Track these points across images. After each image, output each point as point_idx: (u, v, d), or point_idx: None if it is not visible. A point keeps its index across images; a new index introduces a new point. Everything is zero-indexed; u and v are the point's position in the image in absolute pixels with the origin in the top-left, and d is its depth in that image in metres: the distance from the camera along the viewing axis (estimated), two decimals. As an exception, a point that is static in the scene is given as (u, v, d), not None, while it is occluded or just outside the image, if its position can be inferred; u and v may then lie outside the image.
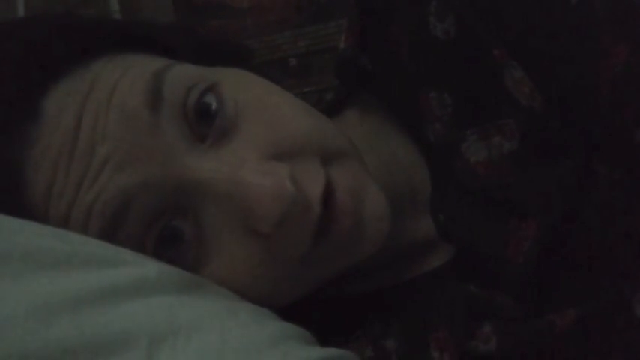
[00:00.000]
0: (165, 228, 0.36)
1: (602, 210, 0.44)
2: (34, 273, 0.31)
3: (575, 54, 0.42)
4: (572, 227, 0.44)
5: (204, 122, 0.37)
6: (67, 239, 0.34)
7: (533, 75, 0.43)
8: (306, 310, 0.41)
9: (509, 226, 0.43)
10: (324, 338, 0.39)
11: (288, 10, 0.84)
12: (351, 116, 0.50)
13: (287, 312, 0.38)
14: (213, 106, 0.37)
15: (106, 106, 0.35)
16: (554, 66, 0.43)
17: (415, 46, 0.46)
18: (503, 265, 0.43)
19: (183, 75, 0.38)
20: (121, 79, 0.36)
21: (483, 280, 0.44)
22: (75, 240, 0.34)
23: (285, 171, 0.36)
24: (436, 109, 0.45)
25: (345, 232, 0.37)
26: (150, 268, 0.34)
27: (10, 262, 0.31)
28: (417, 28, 0.46)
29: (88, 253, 0.33)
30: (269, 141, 0.37)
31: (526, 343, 0.43)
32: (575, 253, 0.44)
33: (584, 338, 0.42)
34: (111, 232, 0.35)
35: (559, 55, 0.43)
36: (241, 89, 0.39)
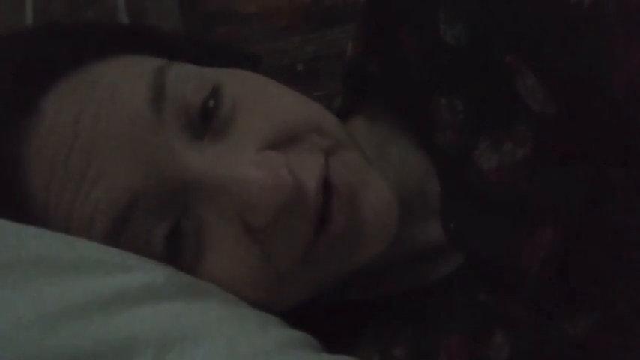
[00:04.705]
0: (173, 226, 0.36)
1: (618, 216, 0.43)
2: (41, 280, 0.31)
3: (590, 58, 0.42)
4: (588, 233, 0.43)
5: (203, 119, 0.37)
6: (74, 245, 0.34)
7: (547, 81, 0.43)
8: (312, 317, 0.40)
9: (523, 234, 0.43)
10: (330, 345, 0.38)
11: (295, 16, 0.84)
12: (360, 123, 0.49)
13: (292, 318, 0.38)
14: (211, 103, 0.37)
15: (107, 105, 0.35)
16: (568, 71, 0.43)
17: (425, 52, 0.45)
18: (517, 273, 0.43)
19: (185, 73, 0.38)
20: (123, 78, 0.36)
21: (495, 288, 0.44)
22: (82, 246, 0.34)
23: (281, 160, 0.35)
24: (447, 116, 0.45)
25: (343, 224, 0.37)
26: (157, 273, 0.34)
27: (17, 269, 0.31)
28: (427, 34, 0.45)
29: (95, 260, 0.33)
30: (265, 131, 0.37)
31: (539, 352, 0.42)
32: (590, 259, 0.43)
33: (598, 346, 0.42)
34: (117, 232, 0.35)
35: (573, 61, 0.42)
36: (238, 85, 0.39)
